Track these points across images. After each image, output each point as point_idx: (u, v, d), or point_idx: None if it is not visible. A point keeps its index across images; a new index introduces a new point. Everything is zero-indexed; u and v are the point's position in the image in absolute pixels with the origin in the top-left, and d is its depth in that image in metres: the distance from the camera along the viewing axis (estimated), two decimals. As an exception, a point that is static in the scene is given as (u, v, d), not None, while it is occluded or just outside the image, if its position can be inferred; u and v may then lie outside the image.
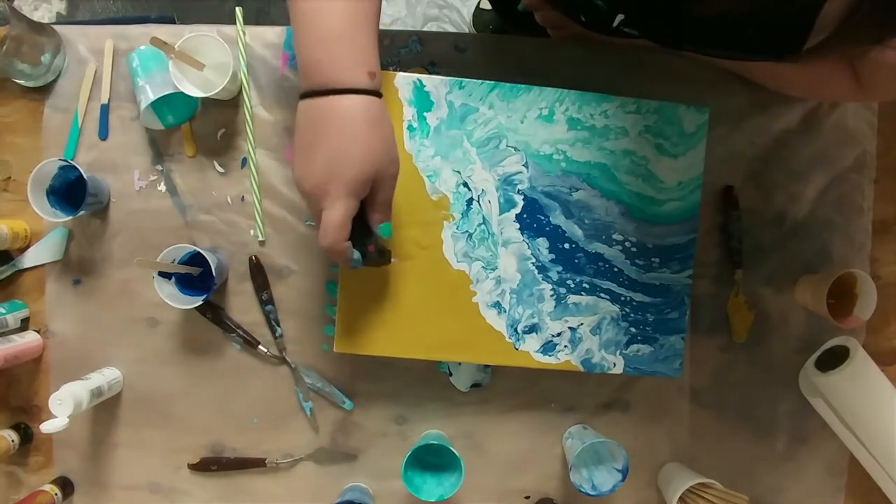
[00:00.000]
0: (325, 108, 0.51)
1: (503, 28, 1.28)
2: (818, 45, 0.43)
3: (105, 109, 0.72)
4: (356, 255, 0.56)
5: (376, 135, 0.52)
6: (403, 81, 0.65)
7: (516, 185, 0.66)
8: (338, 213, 0.51)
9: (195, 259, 0.69)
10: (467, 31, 1.42)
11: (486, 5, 1.35)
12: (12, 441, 0.71)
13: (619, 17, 0.58)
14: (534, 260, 0.67)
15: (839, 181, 0.77)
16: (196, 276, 0.70)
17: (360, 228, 0.55)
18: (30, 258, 0.73)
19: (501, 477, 0.76)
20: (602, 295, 0.67)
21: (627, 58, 0.73)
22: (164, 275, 0.69)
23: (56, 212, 0.68)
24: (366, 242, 0.57)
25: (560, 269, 0.67)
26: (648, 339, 0.68)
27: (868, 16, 0.39)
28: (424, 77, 0.65)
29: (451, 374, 0.74)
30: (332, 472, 0.75)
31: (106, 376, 0.71)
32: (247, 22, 0.72)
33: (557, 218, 0.67)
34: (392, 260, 0.64)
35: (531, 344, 0.67)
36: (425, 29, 1.42)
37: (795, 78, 0.70)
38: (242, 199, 0.73)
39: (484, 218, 0.66)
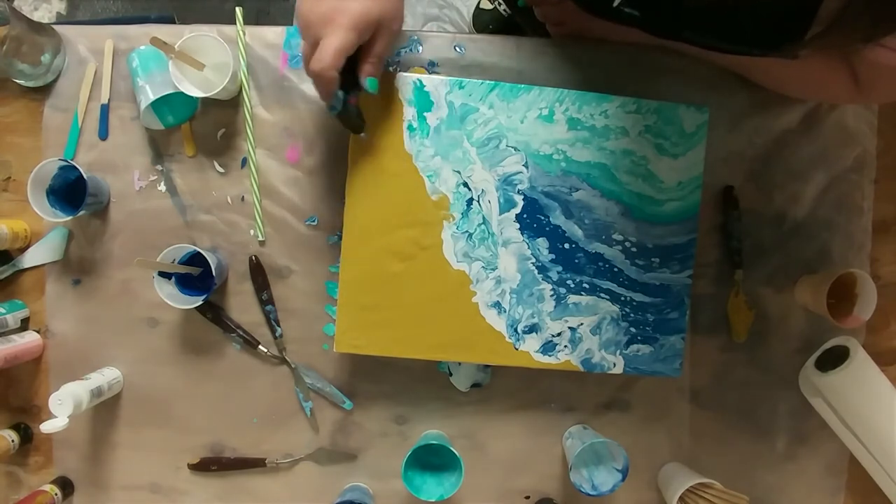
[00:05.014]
0: None
1: (504, 28, 1.28)
2: (811, 40, 0.43)
3: (105, 109, 0.72)
4: (340, 94, 0.57)
5: None
6: (403, 81, 0.65)
7: (516, 185, 0.66)
8: (338, 41, 0.52)
9: (195, 259, 0.69)
10: (467, 31, 1.42)
11: (487, 5, 1.35)
12: (12, 441, 0.71)
13: None
14: (534, 260, 0.67)
15: (839, 181, 0.77)
16: (196, 276, 0.70)
17: (348, 80, 0.56)
18: (30, 258, 0.73)
19: (501, 477, 0.76)
20: (602, 295, 0.67)
21: (627, 57, 0.73)
22: (164, 275, 0.69)
23: (56, 212, 0.68)
24: (349, 93, 0.58)
25: (560, 269, 0.67)
26: (648, 339, 0.68)
27: (861, 12, 0.39)
28: (424, 77, 0.65)
29: (451, 374, 0.74)
30: (332, 472, 0.75)
31: (106, 376, 0.71)
32: (247, 22, 0.72)
33: (557, 218, 0.67)
34: (363, 134, 0.64)
35: (531, 344, 0.67)
36: (425, 29, 1.42)
37: (794, 77, 0.70)
38: (242, 199, 0.73)
39: (484, 218, 0.66)
